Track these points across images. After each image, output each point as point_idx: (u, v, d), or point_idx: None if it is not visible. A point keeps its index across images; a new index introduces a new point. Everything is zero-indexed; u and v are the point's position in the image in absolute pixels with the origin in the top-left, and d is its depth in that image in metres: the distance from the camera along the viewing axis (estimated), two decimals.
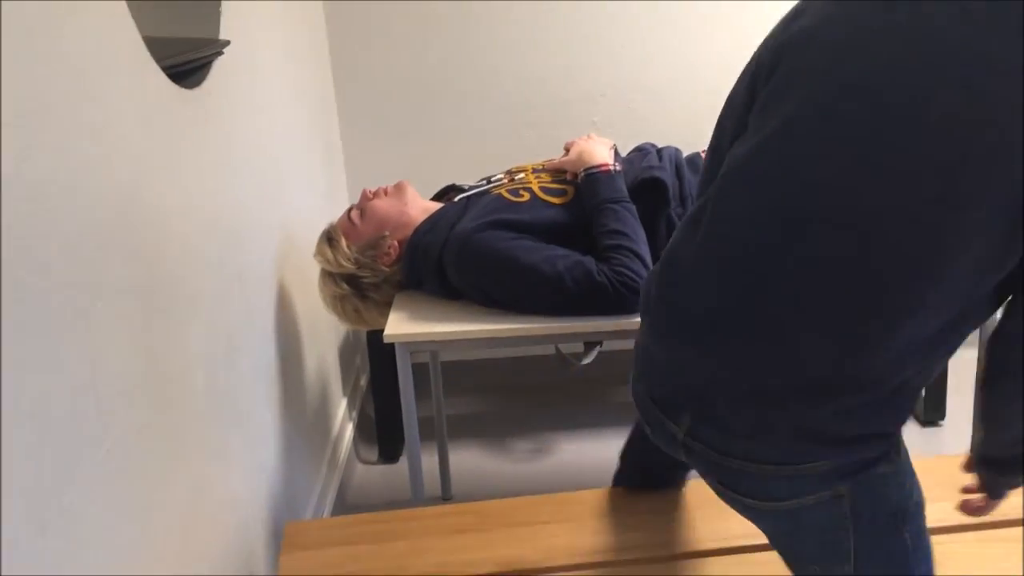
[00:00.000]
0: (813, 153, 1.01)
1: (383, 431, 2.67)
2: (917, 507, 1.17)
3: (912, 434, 2.64)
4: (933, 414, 2.68)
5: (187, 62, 1.45)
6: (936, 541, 1.51)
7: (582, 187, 1.85)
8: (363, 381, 3.04)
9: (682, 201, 1.87)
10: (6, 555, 0.85)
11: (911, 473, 1.17)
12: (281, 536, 1.74)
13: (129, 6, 1.21)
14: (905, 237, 0.96)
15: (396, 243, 1.92)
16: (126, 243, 1.16)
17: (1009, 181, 0.92)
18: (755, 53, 1.13)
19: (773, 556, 1.23)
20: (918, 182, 0.94)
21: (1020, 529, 1.52)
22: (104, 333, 1.08)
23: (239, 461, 1.60)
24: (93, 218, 1.06)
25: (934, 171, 0.94)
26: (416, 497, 1.91)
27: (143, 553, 1.15)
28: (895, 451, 1.13)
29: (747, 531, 1.27)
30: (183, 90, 1.42)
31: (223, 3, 1.66)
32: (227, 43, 1.62)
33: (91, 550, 1.01)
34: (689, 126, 2.87)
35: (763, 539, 1.22)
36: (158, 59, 1.30)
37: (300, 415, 2.11)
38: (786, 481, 1.11)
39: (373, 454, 2.70)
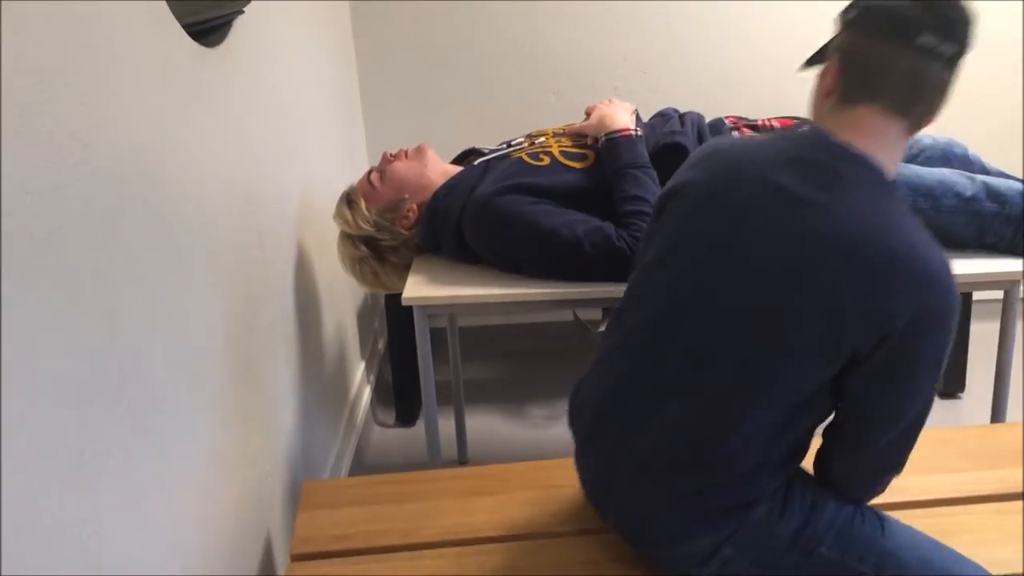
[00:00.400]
0: (679, 284, 1.28)
1: (400, 395, 2.69)
2: (823, 524, 1.27)
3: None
4: (953, 386, 2.66)
5: (208, 20, 1.44)
6: (952, 512, 1.51)
7: (603, 152, 1.83)
8: (381, 345, 3.05)
9: None
10: (29, 506, 0.86)
11: (800, 494, 1.29)
12: (299, 495, 1.76)
13: None
14: (745, 343, 1.21)
15: (415, 206, 1.91)
16: (145, 200, 1.16)
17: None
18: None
19: None
20: (752, 319, 1.21)
21: None
22: (122, 290, 1.08)
23: (257, 420, 1.61)
24: (112, 175, 1.07)
25: (767, 313, 1.20)
26: (433, 460, 1.92)
27: (162, 509, 1.17)
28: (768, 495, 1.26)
29: None
30: (204, 48, 1.42)
31: None
32: (248, 2, 1.61)
33: (111, 505, 1.03)
34: (712, 92, 2.84)
35: None
36: (179, 16, 1.30)
37: (318, 377, 2.12)
38: (686, 561, 1.30)
39: (390, 417, 2.72)
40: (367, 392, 2.70)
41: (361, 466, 2.44)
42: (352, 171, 2.64)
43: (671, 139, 1.86)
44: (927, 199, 1.80)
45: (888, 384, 1.20)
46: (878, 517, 1.31)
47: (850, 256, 1.15)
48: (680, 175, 1.35)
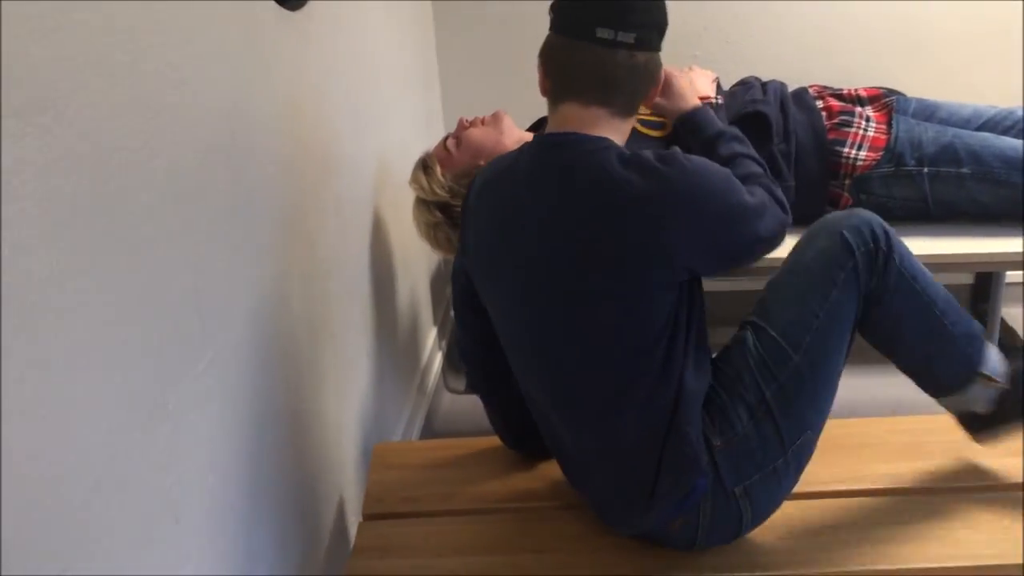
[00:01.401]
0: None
1: None
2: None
3: None
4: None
5: None
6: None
7: (678, 126, 1.80)
8: (452, 312, 3.07)
9: (785, 137, 1.81)
10: (112, 452, 0.89)
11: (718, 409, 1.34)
12: (369, 455, 1.79)
13: None
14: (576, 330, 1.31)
15: None
16: (228, 163, 1.18)
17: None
18: None
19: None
20: (573, 306, 1.29)
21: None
22: (206, 249, 1.11)
23: (331, 381, 1.64)
24: (196, 136, 1.09)
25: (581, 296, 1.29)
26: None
27: (236, 461, 1.20)
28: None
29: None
30: (286, 12, 1.43)
31: None
32: None
33: (189, 455, 1.06)
34: (794, 62, 2.76)
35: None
36: None
37: (391, 342, 2.15)
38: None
39: (461, 384, 2.74)
40: (439, 358, 2.72)
41: (431, 431, 2.46)
42: (428, 138, 2.65)
43: (753, 108, 1.81)
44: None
45: (722, 264, 1.30)
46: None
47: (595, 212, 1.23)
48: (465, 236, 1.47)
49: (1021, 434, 1.42)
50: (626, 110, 1.31)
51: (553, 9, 1.33)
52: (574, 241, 1.25)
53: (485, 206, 1.39)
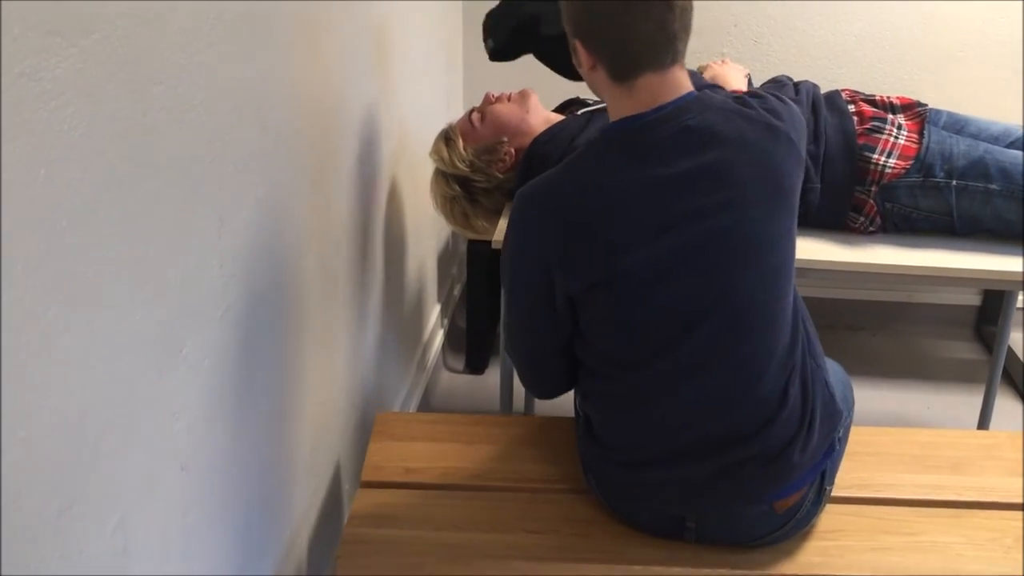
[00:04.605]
0: None
1: (472, 342, 2.69)
2: None
3: (1017, 415, 2.53)
4: None
5: None
6: None
7: None
8: (456, 291, 3.05)
9: (815, 138, 1.79)
10: (127, 391, 0.87)
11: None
12: (369, 424, 1.77)
13: None
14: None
15: (513, 150, 1.88)
16: (257, 113, 1.16)
17: None
18: None
19: None
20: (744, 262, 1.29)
21: None
22: (231, 196, 1.09)
23: (338, 345, 1.62)
24: (232, 82, 1.06)
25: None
26: (504, 409, 1.91)
27: (244, 414, 1.18)
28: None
29: None
30: None
31: None
32: None
33: (200, 403, 1.04)
34: (824, 65, 2.74)
35: None
36: None
37: (397, 313, 2.13)
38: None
39: (460, 363, 2.73)
40: (440, 336, 2.70)
41: (428, 408, 2.45)
42: (448, 113, 2.62)
43: None
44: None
45: None
46: None
47: None
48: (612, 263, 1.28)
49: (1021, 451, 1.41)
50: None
51: None
52: (757, 189, 1.24)
53: (617, 203, 1.25)
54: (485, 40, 1.94)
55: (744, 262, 1.25)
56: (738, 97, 1.33)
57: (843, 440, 1.38)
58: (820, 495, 1.35)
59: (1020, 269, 1.72)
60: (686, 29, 1.22)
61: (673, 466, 1.32)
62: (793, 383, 1.29)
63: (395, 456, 1.56)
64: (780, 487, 1.30)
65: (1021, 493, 1.48)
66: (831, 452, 1.35)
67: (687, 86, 1.26)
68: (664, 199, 1.23)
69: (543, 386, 1.48)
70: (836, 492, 1.46)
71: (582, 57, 1.25)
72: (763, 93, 1.34)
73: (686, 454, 1.30)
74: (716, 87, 1.58)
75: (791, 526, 1.34)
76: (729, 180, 1.23)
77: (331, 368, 1.58)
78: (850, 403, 1.44)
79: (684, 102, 1.24)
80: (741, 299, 1.25)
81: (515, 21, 1.86)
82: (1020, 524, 1.41)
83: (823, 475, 1.35)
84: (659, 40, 1.20)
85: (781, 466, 1.29)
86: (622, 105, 1.26)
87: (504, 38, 1.89)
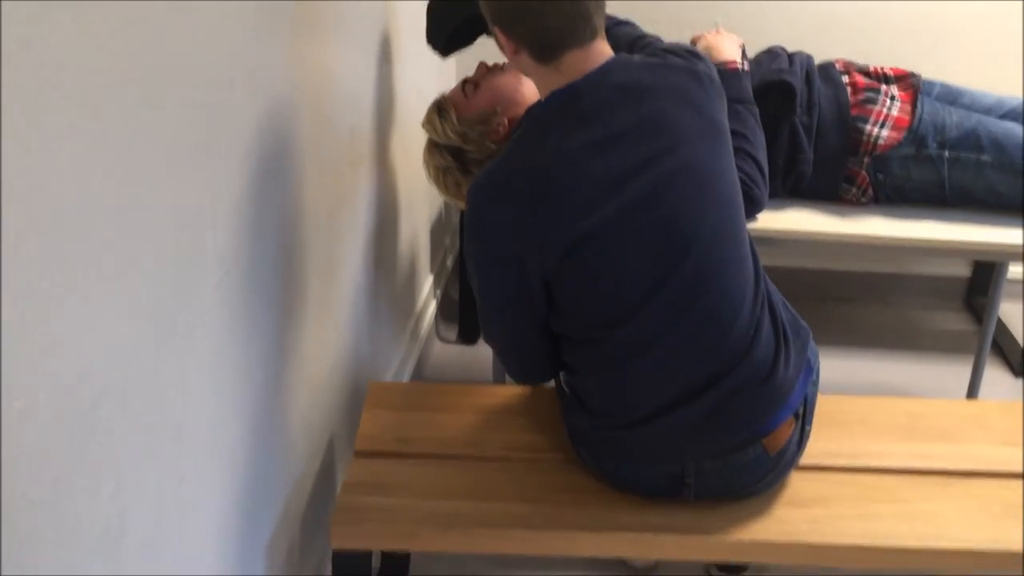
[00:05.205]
0: None
1: (465, 313, 2.69)
2: None
3: (1006, 385, 2.55)
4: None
5: None
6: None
7: None
8: (449, 262, 3.05)
9: (808, 109, 1.79)
10: (123, 364, 0.87)
11: None
12: (361, 394, 1.78)
13: None
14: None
15: (506, 120, 1.87)
16: (250, 81, 1.15)
17: None
18: None
19: None
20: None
21: None
22: (223, 166, 1.08)
23: (331, 314, 1.62)
24: (224, 52, 1.06)
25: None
26: (497, 378, 1.92)
27: (237, 385, 1.18)
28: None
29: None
30: None
31: None
32: None
33: (194, 374, 1.04)
34: (818, 35, 2.72)
35: None
36: None
37: (389, 282, 2.13)
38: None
39: (452, 333, 2.73)
40: (432, 306, 2.70)
41: (421, 378, 2.45)
42: (440, 83, 2.60)
43: (778, 76, 1.79)
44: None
45: None
46: None
47: None
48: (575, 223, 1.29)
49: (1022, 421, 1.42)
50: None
51: None
52: (695, 128, 1.29)
53: (569, 170, 1.27)
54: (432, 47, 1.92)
55: (703, 198, 1.29)
56: (652, 52, 1.40)
57: (815, 363, 1.43)
58: (803, 435, 1.40)
59: (1010, 241, 1.73)
60: (599, 4, 1.28)
61: (669, 416, 1.34)
62: (764, 308, 1.35)
63: (388, 425, 1.57)
64: (771, 412, 1.34)
65: (1009, 461, 1.50)
66: (809, 372, 1.40)
67: (609, 53, 1.31)
68: (613, 154, 1.26)
69: (528, 371, 1.50)
70: (826, 461, 1.48)
71: (504, 43, 1.30)
72: (673, 47, 1.43)
73: (680, 400, 1.33)
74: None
75: (782, 467, 1.38)
76: (668, 125, 1.28)
77: (325, 339, 1.58)
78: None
79: (608, 66, 1.29)
80: (711, 234, 1.29)
81: (449, 28, 1.85)
82: (1009, 493, 1.43)
83: (805, 407, 1.38)
84: (575, 18, 1.25)
85: (771, 386, 1.33)
86: (551, 82, 1.30)
87: (443, 46, 1.88)
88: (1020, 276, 2.74)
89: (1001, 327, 2.69)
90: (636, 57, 1.34)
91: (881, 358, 2.65)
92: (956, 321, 2.89)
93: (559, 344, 1.42)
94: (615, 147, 1.26)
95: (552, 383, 1.56)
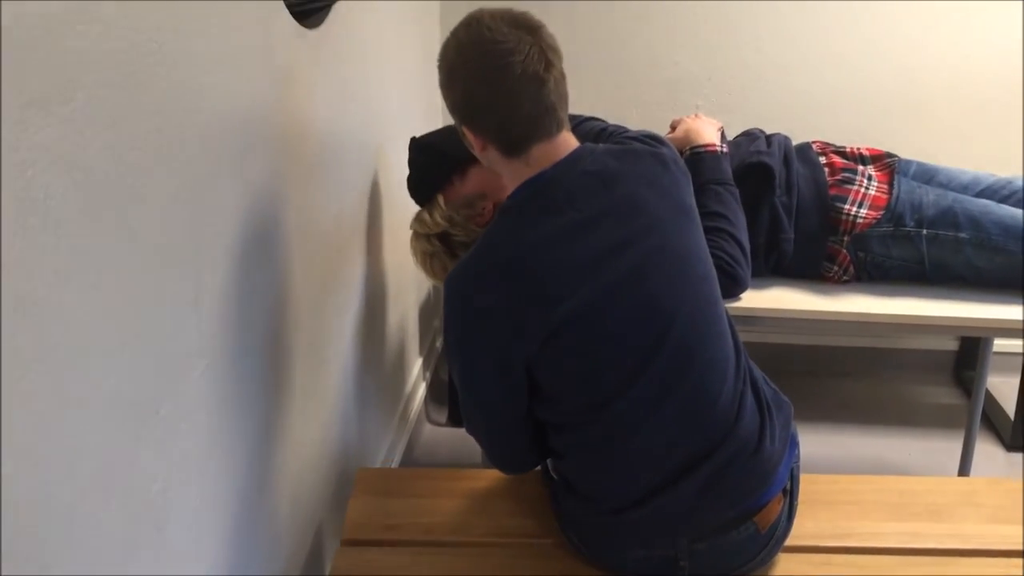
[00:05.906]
0: None
1: (454, 395, 2.68)
2: None
3: (998, 460, 2.54)
4: (1020, 439, 2.58)
5: (310, 2, 1.46)
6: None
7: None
8: (438, 344, 3.05)
9: (788, 190, 1.82)
10: (103, 457, 0.87)
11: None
12: (350, 480, 1.76)
13: None
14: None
15: (491, 205, 1.90)
16: (234, 169, 1.17)
17: None
18: None
19: None
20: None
21: None
22: (209, 253, 1.10)
23: (317, 401, 1.62)
24: (210, 139, 1.08)
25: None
26: (486, 461, 1.90)
27: (220, 476, 1.18)
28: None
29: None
30: (303, 29, 1.43)
31: None
32: None
33: (177, 464, 1.03)
34: (798, 116, 2.79)
35: None
36: None
37: (378, 367, 2.13)
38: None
39: (442, 416, 2.72)
40: (422, 389, 2.70)
41: (411, 462, 2.43)
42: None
43: (756, 158, 1.83)
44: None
45: None
46: None
47: None
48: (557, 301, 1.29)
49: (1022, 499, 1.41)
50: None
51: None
52: (665, 210, 1.32)
53: (545, 257, 1.28)
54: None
55: (681, 275, 1.31)
56: (617, 140, 1.47)
57: (797, 436, 1.44)
58: (791, 511, 1.40)
59: (993, 316, 1.75)
60: (563, 98, 1.30)
61: (661, 495, 1.32)
62: (746, 382, 1.37)
63: (377, 512, 1.55)
64: (762, 487, 1.34)
65: (1004, 538, 1.48)
66: (794, 446, 1.41)
67: (575, 144, 1.33)
68: (589, 238, 1.28)
69: (512, 461, 1.49)
70: (817, 542, 1.47)
71: (472, 140, 1.32)
72: (637, 135, 1.49)
73: (672, 478, 1.32)
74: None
75: (772, 544, 1.38)
76: (640, 207, 1.31)
77: (313, 427, 1.58)
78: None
79: (576, 154, 1.32)
80: (691, 309, 1.31)
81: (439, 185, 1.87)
82: (1008, 571, 1.41)
83: (792, 482, 1.39)
84: (540, 114, 1.27)
85: (759, 460, 1.33)
86: (521, 174, 1.31)
87: (429, 196, 1.89)
88: (1008, 348, 2.75)
89: (991, 400, 2.70)
90: (602, 146, 1.38)
91: (872, 434, 2.64)
92: (946, 395, 2.90)
93: (544, 431, 1.41)
94: (590, 230, 1.28)
95: (539, 467, 1.55)
